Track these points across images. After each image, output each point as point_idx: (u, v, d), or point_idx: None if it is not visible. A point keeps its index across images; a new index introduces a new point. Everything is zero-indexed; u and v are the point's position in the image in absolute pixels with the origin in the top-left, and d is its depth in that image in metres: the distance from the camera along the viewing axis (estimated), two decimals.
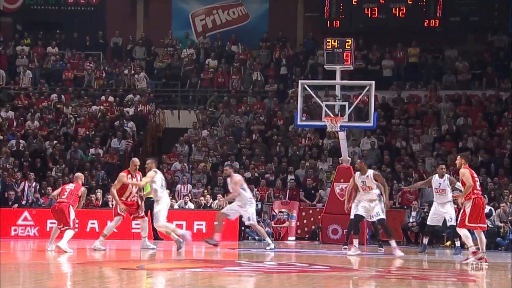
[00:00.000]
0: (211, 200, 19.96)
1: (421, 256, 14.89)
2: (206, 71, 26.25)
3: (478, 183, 12.46)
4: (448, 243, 18.00)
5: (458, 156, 13.01)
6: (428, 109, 23.69)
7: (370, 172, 14.94)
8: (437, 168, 16.19)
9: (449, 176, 15.55)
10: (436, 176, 15.40)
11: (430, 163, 21.27)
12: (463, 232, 12.55)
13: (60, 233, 14.18)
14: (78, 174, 14.94)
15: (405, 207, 19.56)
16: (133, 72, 26.20)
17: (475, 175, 12.54)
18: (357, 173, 14.87)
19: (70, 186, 14.31)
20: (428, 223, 15.54)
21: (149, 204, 15.50)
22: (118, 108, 24.71)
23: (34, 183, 20.51)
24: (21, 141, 22.77)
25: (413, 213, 18.68)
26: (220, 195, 19.80)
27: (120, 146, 22.95)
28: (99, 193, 19.45)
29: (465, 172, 12.32)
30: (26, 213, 18.86)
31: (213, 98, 25.57)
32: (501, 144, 21.87)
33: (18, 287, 8.78)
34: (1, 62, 26.30)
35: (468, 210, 12.16)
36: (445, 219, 15.26)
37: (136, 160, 14.84)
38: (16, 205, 19.38)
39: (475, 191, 12.24)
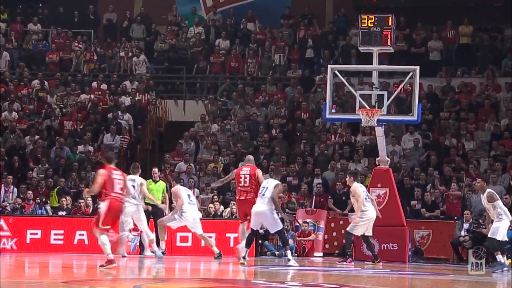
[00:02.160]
0: (222, 208, 19.97)
1: (476, 277, 14.81)
2: (217, 53, 26.25)
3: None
4: (509, 261, 17.88)
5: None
6: (484, 100, 23.54)
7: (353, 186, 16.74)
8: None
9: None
10: None
11: (485, 165, 21.16)
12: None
13: None
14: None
15: (455, 218, 19.48)
16: (130, 54, 26.26)
17: None
18: None
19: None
20: (499, 238, 15.65)
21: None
22: (111, 98, 24.77)
23: (12, 186, 20.60)
24: None
25: (465, 225, 18.60)
26: (233, 202, 19.80)
27: (114, 142, 22.99)
28: (89, 199, 19.46)
29: None
30: (1, 222, 18.96)
31: (225, 86, 25.56)
32: None
33: None
34: None
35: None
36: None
37: None
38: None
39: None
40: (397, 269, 15.90)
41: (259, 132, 23.28)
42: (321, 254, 19.47)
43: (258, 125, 23.53)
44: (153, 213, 17.62)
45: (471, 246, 18.41)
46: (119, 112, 23.91)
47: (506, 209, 15.91)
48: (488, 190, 15.96)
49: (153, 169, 18.22)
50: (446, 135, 22.43)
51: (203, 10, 28.37)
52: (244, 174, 15.86)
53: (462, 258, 18.57)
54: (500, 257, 15.63)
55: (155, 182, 17.89)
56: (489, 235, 15.71)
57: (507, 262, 17.80)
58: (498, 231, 15.56)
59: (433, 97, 23.82)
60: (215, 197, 20.31)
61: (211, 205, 19.93)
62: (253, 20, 27.31)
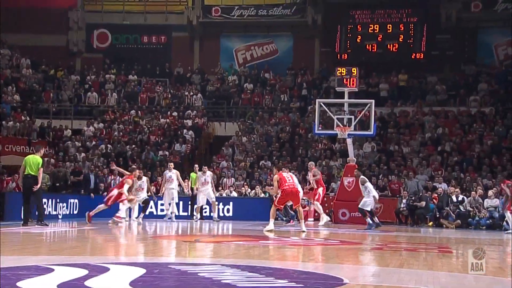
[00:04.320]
0: (249, 189, 19.96)
1: (410, 233, 14.71)
2: (246, 92, 26.28)
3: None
4: (431, 223, 17.74)
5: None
6: (415, 121, 23.41)
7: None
8: None
9: None
10: None
11: (416, 162, 21.02)
12: None
13: None
14: None
15: (397, 195, 19.36)
16: (191, 93, 26.35)
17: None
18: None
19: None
20: (367, 208, 15.26)
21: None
22: (180, 121, 24.85)
23: (118, 177, 20.65)
24: (108, 145, 23.03)
25: (404, 200, 18.49)
26: (258, 186, 19.80)
27: (181, 149, 23.08)
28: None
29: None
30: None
31: (251, 113, 25.58)
32: (471, 148, 21.52)
33: (99, 254, 8.85)
34: (94, 87, 26.67)
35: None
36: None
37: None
38: (106, 193, 19.48)
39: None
40: (360, 229, 15.79)
41: (272, 142, 23.22)
42: (312, 219, 19.35)
43: (272, 138, 23.49)
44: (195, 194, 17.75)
45: (408, 214, 18.33)
46: (185, 130, 23.95)
47: (372, 188, 15.48)
48: (361, 176, 15.70)
49: (195, 165, 18.29)
50: (391, 143, 22.28)
51: (237, 65, 28.42)
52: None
53: (401, 221, 18.42)
54: (368, 220, 15.39)
55: (196, 173, 17.92)
56: (359, 206, 15.37)
57: (430, 223, 17.65)
58: (365, 203, 15.27)
59: (383, 119, 23.67)
60: (245, 183, 20.28)
61: (242, 188, 19.92)
62: (269, 71, 27.31)
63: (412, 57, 25.93)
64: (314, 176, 16.47)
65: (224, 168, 21.73)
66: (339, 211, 18.05)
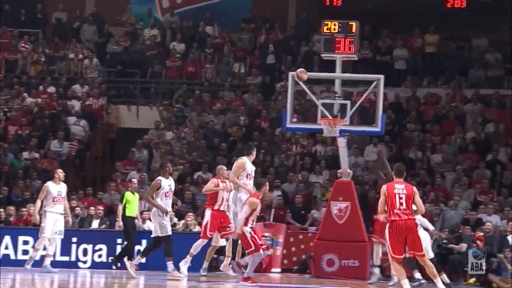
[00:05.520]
0: (176, 220, 19.91)
1: None
2: (173, 57, 26.25)
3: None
4: (472, 280, 18.05)
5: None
6: (449, 112, 23.76)
7: None
8: None
9: None
10: None
11: (451, 179, 21.32)
12: None
13: None
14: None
15: None
16: (80, 56, 26.15)
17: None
18: None
19: None
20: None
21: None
22: (60, 102, 24.63)
23: None
24: None
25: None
26: (190, 213, 19.70)
27: (62, 149, 22.87)
28: (32, 208, 19.27)
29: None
30: None
31: (181, 91, 25.55)
32: None
33: None
34: None
35: None
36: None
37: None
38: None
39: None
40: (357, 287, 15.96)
41: (216, 140, 23.22)
42: (279, 270, 19.47)
43: (215, 134, 23.53)
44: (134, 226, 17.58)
45: (437, 263, 18.55)
46: (75, 117, 23.78)
47: (426, 222, 15.76)
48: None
49: (132, 179, 18.11)
50: (411, 148, 22.48)
51: (159, 11, 28.34)
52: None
53: (424, 276, 18.62)
54: (417, 274, 15.70)
55: (133, 193, 17.62)
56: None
57: (470, 280, 18.00)
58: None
59: (398, 108, 23.92)
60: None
61: None
62: (212, 23, 27.33)
63: (448, 5, 26.31)
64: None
65: (134, 182, 21.57)
66: (323, 258, 18.19)
